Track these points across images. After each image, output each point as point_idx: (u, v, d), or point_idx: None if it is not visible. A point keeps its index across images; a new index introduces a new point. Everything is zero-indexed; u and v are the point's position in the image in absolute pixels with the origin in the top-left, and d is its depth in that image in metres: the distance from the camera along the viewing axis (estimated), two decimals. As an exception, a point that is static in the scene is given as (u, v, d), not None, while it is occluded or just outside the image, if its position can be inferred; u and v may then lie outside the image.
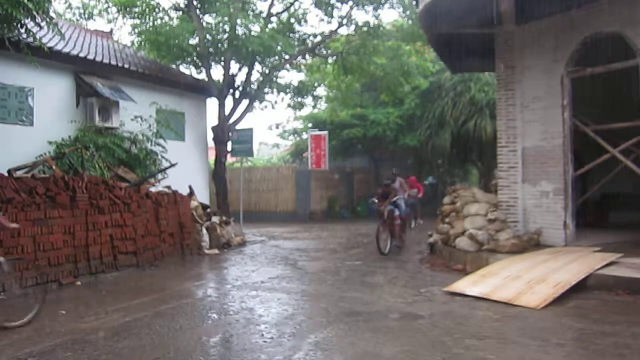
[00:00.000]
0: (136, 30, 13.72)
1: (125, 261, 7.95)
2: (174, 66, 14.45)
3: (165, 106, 11.59)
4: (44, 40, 7.97)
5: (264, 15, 14.56)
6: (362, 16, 19.18)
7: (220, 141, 14.00)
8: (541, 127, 8.19)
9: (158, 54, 13.96)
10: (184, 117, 12.83)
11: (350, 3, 15.09)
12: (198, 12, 13.69)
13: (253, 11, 14.52)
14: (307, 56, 16.69)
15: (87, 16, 15.57)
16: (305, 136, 23.40)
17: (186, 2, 13.95)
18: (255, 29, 13.13)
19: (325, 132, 18.57)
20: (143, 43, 13.73)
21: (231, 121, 14.18)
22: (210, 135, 14.12)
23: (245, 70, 14.42)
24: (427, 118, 19.21)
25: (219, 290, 6.83)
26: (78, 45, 10.78)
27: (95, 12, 15.18)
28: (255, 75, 14.94)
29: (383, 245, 9.36)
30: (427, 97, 19.47)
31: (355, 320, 4.90)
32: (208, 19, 14.11)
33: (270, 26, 14.26)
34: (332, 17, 15.47)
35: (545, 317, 4.90)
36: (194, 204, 10.58)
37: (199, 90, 13.59)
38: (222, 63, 14.02)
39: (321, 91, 20.95)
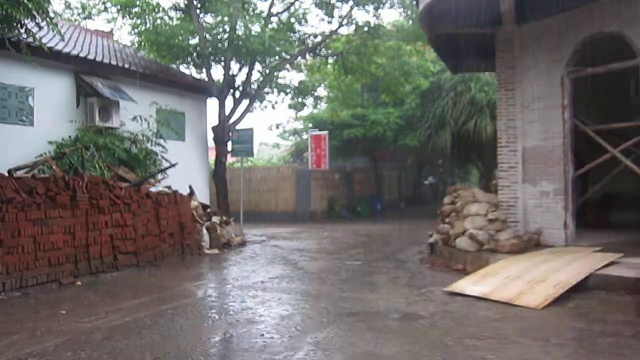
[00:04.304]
0: (136, 30, 13.72)
1: (125, 261, 7.94)
2: (174, 66, 14.46)
3: (166, 106, 11.60)
4: (44, 40, 7.98)
5: (264, 15, 14.56)
6: (362, 16, 19.22)
7: (220, 141, 14.01)
8: (541, 127, 8.19)
9: (158, 54, 13.97)
10: (184, 117, 12.84)
11: (351, 3, 15.10)
12: (198, 12, 13.69)
13: (253, 11, 14.53)
14: (308, 56, 16.70)
15: (85, 15, 15.59)
16: (305, 136, 23.42)
17: (186, 2, 13.96)
18: (255, 28, 13.14)
19: (326, 132, 18.58)
20: (143, 43, 13.74)
21: (231, 121, 14.18)
22: (210, 135, 14.14)
23: (246, 70, 14.44)
24: (427, 118, 19.21)
25: (219, 290, 6.83)
26: (78, 45, 10.78)
27: (95, 12, 15.21)
28: (256, 75, 14.97)
29: None
30: (428, 97, 19.48)
31: (355, 320, 4.90)
32: (208, 19, 14.14)
33: (270, 26, 14.26)
34: (332, 17, 15.49)
35: (545, 317, 4.90)
36: (194, 204, 10.57)
37: (199, 90, 13.59)
38: (222, 63, 14.03)
39: (322, 91, 20.99)
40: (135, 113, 10.52)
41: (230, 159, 16.42)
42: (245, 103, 14.73)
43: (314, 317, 5.13)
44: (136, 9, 13.62)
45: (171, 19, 14.11)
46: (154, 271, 8.05)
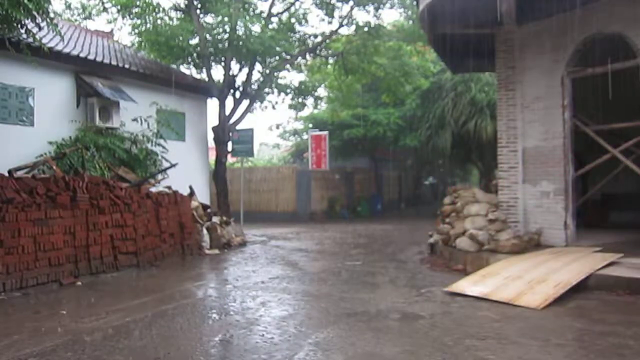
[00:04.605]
0: (136, 30, 13.72)
1: (125, 261, 7.94)
2: (174, 66, 14.45)
3: (166, 106, 11.59)
4: (44, 40, 7.98)
5: (264, 15, 14.55)
6: (362, 16, 19.22)
7: (220, 141, 14.00)
8: (541, 127, 8.19)
9: (158, 54, 13.96)
10: (184, 117, 12.84)
11: (351, 3, 15.09)
12: (198, 12, 13.69)
13: (253, 11, 14.51)
14: (308, 56, 16.69)
15: (85, 15, 15.56)
16: (305, 136, 23.42)
17: (186, 2, 13.95)
18: (255, 29, 13.14)
19: (326, 132, 18.58)
20: (143, 43, 13.73)
21: (231, 121, 14.18)
22: (210, 135, 14.14)
23: (246, 70, 14.43)
24: (428, 118, 19.23)
25: (219, 290, 6.83)
26: (78, 45, 10.78)
27: (94, 12, 15.19)
28: (256, 75, 14.96)
29: None
30: (428, 97, 19.49)
31: (355, 320, 4.90)
32: (208, 19, 14.12)
33: (270, 26, 14.25)
34: (332, 17, 15.48)
35: (545, 317, 4.90)
36: (194, 204, 10.58)
37: (199, 90, 13.59)
38: (222, 63, 14.02)
39: (322, 91, 20.98)
40: (135, 113, 10.52)
41: (230, 159, 16.42)
42: (245, 103, 14.72)
43: (314, 317, 5.14)
44: (136, 9, 13.61)
45: (171, 19, 14.10)
46: (154, 271, 8.05)
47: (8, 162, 7.60)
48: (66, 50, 9.81)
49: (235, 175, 17.14)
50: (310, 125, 21.10)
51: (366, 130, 19.70)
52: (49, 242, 6.73)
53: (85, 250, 7.28)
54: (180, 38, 12.95)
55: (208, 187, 13.73)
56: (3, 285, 6.11)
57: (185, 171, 11.29)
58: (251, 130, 14.45)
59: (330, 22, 15.80)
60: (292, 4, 15.23)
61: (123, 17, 14.09)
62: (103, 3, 14.30)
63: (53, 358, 3.91)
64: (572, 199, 7.91)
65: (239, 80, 14.50)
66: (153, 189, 9.45)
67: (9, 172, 7.02)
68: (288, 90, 16.67)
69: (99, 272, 7.42)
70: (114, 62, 10.98)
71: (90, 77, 10.19)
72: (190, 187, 10.83)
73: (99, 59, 10.53)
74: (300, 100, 17.98)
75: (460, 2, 7.84)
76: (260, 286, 6.77)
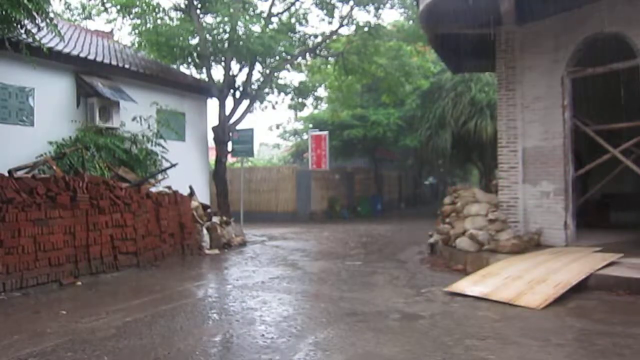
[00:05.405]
0: (136, 30, 13.72)
1: (125, 261, 7.94)
2: (174, 66, 14.46)
3: (166, 106, 11.59)
4: (44, 41, 7.98)
5: (264, 15, 14.56)
6: (362, 16, 19.23)
7: (220, 141, 14.00)
8: (541, 127, 8.19)
9: (158, 54, 13.97)
10: (184, 117, 12.84)
11: (351, 3, 15.10)
12: (198, 12, 13.69)
13: (253, 11, 14.52)
14: (308, 56, 16.69)
15: (85, 15, 15.57)
16: (305, 136, 23.43)
17: (186, 2, 13.95)
18: (256, 29, 13.14)
19: (326, 132, 18.59)
20: (143, 43, 13.73)
21: (231, 121, 14.18)
22: (210, 135, 14.15)
23: (246, 70, 14.43)
24: (428, 118, 19.24)
25: (219, 290, 6.83)
26: (78, 45, 10.78)
27: (94, 12, 15.19)
28: (256, 76, 14.97)
29: None
30: (428, 98, 19.51)
31: (355, 320, 4.90)
32: (208, 19, 14.13)
33: (270, 26, 14.26)
34: (332, 17, 15.49)
35: (545, 317, 4.90)
36: (194, 204, 10.57)
37: (199, 90, 13.60)
38: (223, 63, 14.03)
39: (322, 91, 21.00)
40: (135, 113, 10.52)
41: (230, 159, 16.42)
42: (245, 103, 14.72)
43: (314, 317, 5.13)
44: (136, 9, 13.61)
45: (171, 19, 14.10)
46: (154, 271, 8.05)
47: (8, 162, 7.59)
48: (66, 50, 9.80)
49: (235, 175, 17.14)
50: (310, 126, 21.11)
51: (366, 130, 19.71)
52: (49, 242, 6.73)
53: (85, 250, 7.27)
54: (180, 38, 12.96)
55: (208, 187, 13.73)
56: (3, 285, 6.11)
57: (185, 171, 11.29)
58: (251, 130, 14.45)
59: (330, 22, 15.82)
60: (292, 4, 15.23)
61: (123, 17, 14.07)
62: (103, 3, 14.29)
63: (53, 358, 3.90)
64: (572, 199, 7.91)
65: (239, 80, 14.53)
66: (153, 189, 9.45)
67: (9, 172, 7.01)
68: (288, 90, 16.67)
69: (99, 272, 7.42)
70: (114, 62, 10.98)
71: (90, 77, 10.19)
72: (190, 187, 10.83)
73: (99, 59, 10.53)
74: (300, 100, 17.98)
75: (460, 2, 7.84)
76: (260, 286, 6.77)
